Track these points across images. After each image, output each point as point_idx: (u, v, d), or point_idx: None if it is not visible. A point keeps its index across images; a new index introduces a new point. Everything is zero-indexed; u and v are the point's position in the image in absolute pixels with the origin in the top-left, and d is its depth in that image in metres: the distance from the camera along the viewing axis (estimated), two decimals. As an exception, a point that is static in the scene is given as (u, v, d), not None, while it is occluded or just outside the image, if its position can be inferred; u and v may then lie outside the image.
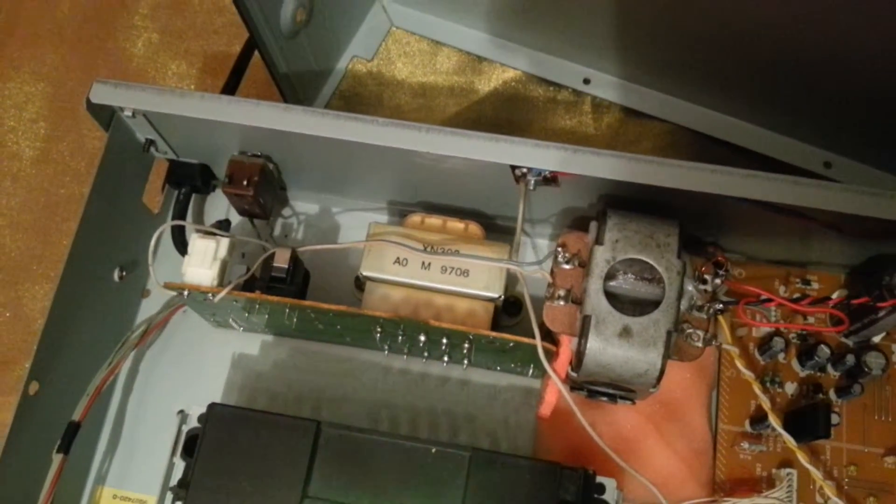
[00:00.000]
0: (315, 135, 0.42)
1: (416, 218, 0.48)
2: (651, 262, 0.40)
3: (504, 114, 0.59)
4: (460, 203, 0.50)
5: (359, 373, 0.50)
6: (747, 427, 0.46)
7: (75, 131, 0.61)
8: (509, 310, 0.50)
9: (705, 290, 0.40)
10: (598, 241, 0.41)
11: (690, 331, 0.40)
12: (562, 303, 0.41)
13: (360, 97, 0.60)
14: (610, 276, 0.40)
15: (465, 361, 0.48)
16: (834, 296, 0.45)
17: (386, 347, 0.48)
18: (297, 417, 0.41)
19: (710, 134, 0.57)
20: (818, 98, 0.52)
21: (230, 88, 0.54)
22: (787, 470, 0.44)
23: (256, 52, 0.53)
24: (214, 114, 0.43)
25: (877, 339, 0.47)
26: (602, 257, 0.40)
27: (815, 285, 0.49)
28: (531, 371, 0.48)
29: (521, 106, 0.59)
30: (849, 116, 0.53)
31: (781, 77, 0.52)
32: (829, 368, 0.47)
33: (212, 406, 0.42)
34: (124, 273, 0.50)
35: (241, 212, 0.49)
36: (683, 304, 0.40)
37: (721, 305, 0.40)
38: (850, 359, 0.46)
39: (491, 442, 0.48)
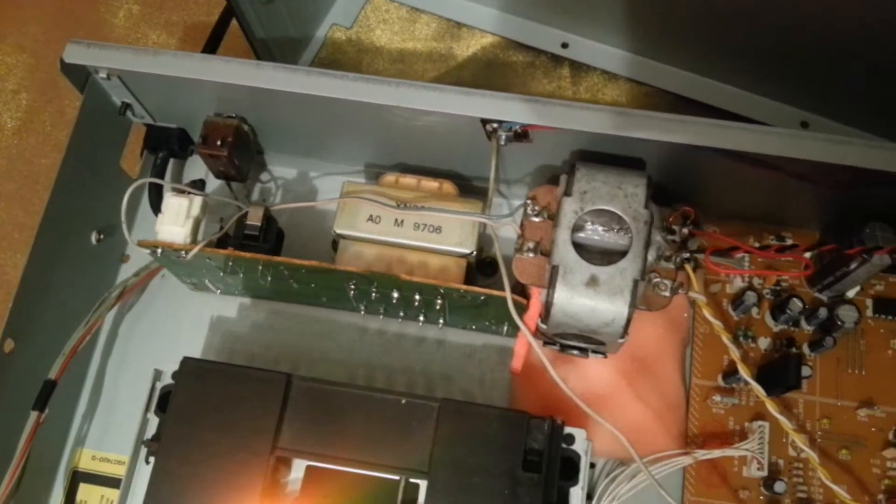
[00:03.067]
0: (285, 90, 0.42)
1: (390, 177, 0.48)
2: (618, 212, 0.40)
3: (483, 79, 0.59)
4: (437, 164, 0.50)
5: (335, 334, 0.50)
6: (720, 381, 0.46)
7: (57, 102, 0.61)
8: (485, 270, 0.50)
9: (673, 241, 0.41)
10: (567, 192, 0.41)
11: (658, 280, 0.40)
12: (531, 255, 0.41)
13: (338, 64, 0.60)
14: (578, 227, 0.40)
15: (441, 320, 0.48)
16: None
17: (362, 307, 0.49)
18: (268, 370, 0.41)
19: (688, 96, 0.57)
20: (796, 58, 0.52)
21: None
22: (759, 423, 0.45)
23: (235, 20, 0.53)
24: (186, 71, 0.43)
25: (851, 293, 0.47)
26: (570, 208, 0.40)
27: (790, 241, 0.49)
28: (506, 329, 0.48)
29: (499, 71, 0.59)
30: (826, 76, 0.53)
31: (759, 38, 0.52)
32: (803, 323, 0.47)
33: (185, 360, 0.42)
34: (102, 236, 0.50)
35: (217, 174, 0.50)
36: (651, 255, 0.40)
37: (688, 254, 0.40)
38: (823, 312, 0.46)
39: (467, 399, 0.48)
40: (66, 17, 0.64)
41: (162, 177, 0.51)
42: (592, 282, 0.39)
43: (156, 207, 0.49)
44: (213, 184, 0.53)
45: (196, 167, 0.54)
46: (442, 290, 0.43)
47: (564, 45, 0.59)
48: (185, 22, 0.62)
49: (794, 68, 0.53)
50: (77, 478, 0.49)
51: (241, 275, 0.47)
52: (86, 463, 0.49)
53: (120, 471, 0.46)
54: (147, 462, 0.41)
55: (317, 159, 0.53)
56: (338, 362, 0.50)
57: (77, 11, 0.64)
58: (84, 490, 0.49)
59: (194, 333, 0.51)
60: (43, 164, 0.60)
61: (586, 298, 0.39)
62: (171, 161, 0.53)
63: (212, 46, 0.54)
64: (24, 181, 0.59)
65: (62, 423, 0.49)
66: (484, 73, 0.59)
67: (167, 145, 0.51)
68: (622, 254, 0.40)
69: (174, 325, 0.51)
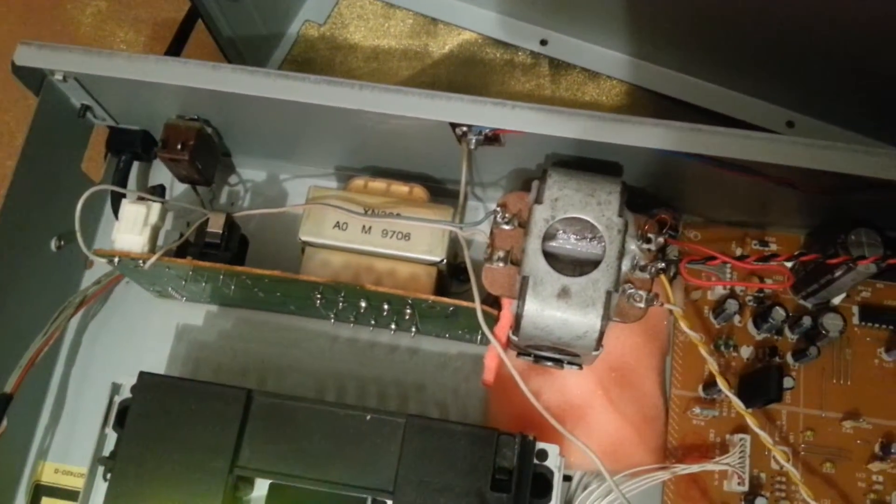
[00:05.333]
0: (244, 93, 0.41)
1: (359, 181, 0.46)
2: (591, 220, 0.38)
3: (460, 77, 0.57)
4: (408, 167, 0.48)
5: (305, 342, 0.49)
6: (700, 392, 0.45)
7: (23, 102, 0.59)
8: (460, 276, 0.49)
9: (649, 250, 0.39)
10: (538, 200, 0.39)
11: (632, 291, 0.38)
12: (501, 264, 0.39)
13: (311, 62, 0.58)
14: (549, 235, 0.39)
15: (413, 329, 0.47)
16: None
17: (332, 316, 0.47)
18: (228, 386, 0.40)
19: (672, 95, 0.55)
20: (781, 57, 0.51)
21: (173, 54, 0.52)
22: (741, 436, 0.43)
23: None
24: (143, 74, 0.42)
25: (836, 300, 0.46)
26: (541, 216, 0.39)
27: (774, 246, 0.47)
28: (479, 338, 0.47)
29: (477, 69, 0.57)
30: (812, 75, 0.51)
31: (744, 36, 0.50)
32: (786, 331, 0.45)
33: (142, 375, 0.40)
34: (62, 243, 0.48)
35: (181, 178, 0.48)
36: (626, 264, 0.39)
37: (663, 264, 0.39)
38: (807, 321, 0.44)
39: (440, 410, 0.47)
40: (32, 14, 0.62)
41: (125, 181, 0.49)
42: (564, 293, 0.38)
43: (118, 213, 0.47)
44: (180, 188, 0.51)
45: (162, 170, 0.51)
46: (410, 301, 0.42)
47: (543, 42, 0.57)
48: (154, 19, 0.60)
49: (779, 67, 0.51)
50: (40, 491, 0.48)
51: (204, 283, 0.45)
52: (48, 476, 0.48)
53: (83, 484, 0.45)
54: (105, 479, 0.40)
55: (286, 161, 0.51)
56: (307, 372, 0.48)
57: (44, 9, 0.62)
58: (47, 504, 0.48)
59: (159, 342, 0.49)
60: (7, 166, 0.58)
61: (557, 311, 0.37)
62: (137, 164, 0.51)
63: (177, 46, 0.52)
64: (-11, 184, 0.57)
65: (23, 436, 0.48)
66: (461, 71, 0.57)
67: (130, 148, 0.49)
68: (595, 263, 0.38)
69: (138, 334, 0.50)
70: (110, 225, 0.49)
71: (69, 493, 0.48)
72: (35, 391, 0.48)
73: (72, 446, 0.48)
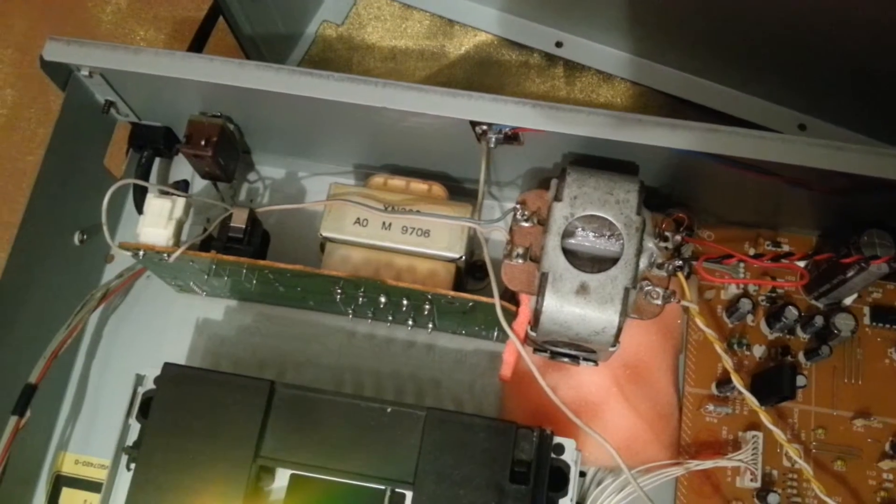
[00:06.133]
0: (268, 90, 0.41)
1: (378, 179, 0.47)
2: (610, 218, 0.39)
3: (476, 78, 0.58)
4: (426, 166, 0.49)
5: (323, 337, 0.49)
6: (713, 390, 0.45)
7: (42, 98, 0.60)
8: (476, 274, 0.49)
9: (666, 248, 0.40)
10: (557, 197, 0.40)
11: (650, 288, 0.39)
12: (520, 261, 0.40)
13: (329, 62, 0.59)
14: (568, 233, 0.39)
15: (430, 325, 0.47)
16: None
17: (350, 311, 0.48)
18: (251, 377, 0.40)
19: (683, 97, 0.56)
20: (793, 59, 0.51)
21: (194, 52, 0.53)
22: (753, 433, 0.44)
23: (222, 17, 0.52)
24: (168, 70, 0.42)
25: (848, 301, 0.46)
26: (560, 214, 0.39)
27: (786, 247, 0.48)
28: (496, 335, 0.47)
29: (492, 70, 0.58)
30: (824, 78, 0.52)
31: (756, 38, 0.51)
32: (798, 331, 0.46)
33: (166, 366, 0.41)
34: (85, 237, 0.49)
35: (203, 174, 0.49)
36: (643, 262, 0.39)
37: (680, 262, 0.39)
38: (819, 320, 0.45)
39: (456, 406, 0.48)
40: (52, 12, 0.63)
41: (147, 176, 0.50)
42: (582, 289, 0.38)
43: (140, 208, 0.48)
44: (200, 184, 0.52)
45: (183, 167, 0.52)
46: (430, 296, 0.42)
47: (559, 45, 0.58)
48: (174, 17, 0.61)
49: (791, 70, 0.52)
50: (60, 482, 0.48)
51: (226, 277, 0.46)
52: (69, 467, 0.49)
53: (103, 475, 0.45)
54: (128, 469, 0.41)
55: (305, 159, 0.52)
56: (325, 367, 0.49)
57: (64, 6, 0.63)
58: (67, 494, 0.48)
59: (179, 336, 0.50)
60: (28, 161, 0.59)
61: (576, 307, 0.38)
62: (158, 160, 0.52)
63: (198, 44, 0.53)
64: (9, 179, 0.58)
65: (45, 427, 0.48)
66: (476, 72, 0.58)
67: (152, 144, 0.50)
68: (613, 261, 0.39)
69: (159, 328, 0.50)
70: (131, 219, 0.50)
71: (89, 484, 0.48)
72: (57, 383, 0.49)
73: (92, 438, 0.49)
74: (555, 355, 0.43)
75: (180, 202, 0.44)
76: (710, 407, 0.45)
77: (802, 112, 0.54)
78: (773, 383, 0.43)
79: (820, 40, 0.48)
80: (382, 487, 0.39)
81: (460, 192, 0.49)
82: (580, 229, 0.40)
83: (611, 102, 0.57)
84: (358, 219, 0.45)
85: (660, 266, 0.39)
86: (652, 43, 0.56)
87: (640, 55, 0.57)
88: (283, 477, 0.41)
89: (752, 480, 0.43)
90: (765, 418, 0.41)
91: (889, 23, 0.44)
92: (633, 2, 0.53)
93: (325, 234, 0.45)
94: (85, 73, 0.45)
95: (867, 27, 0.45)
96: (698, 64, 0.55)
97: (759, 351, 0.46)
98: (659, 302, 0.39)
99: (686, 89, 0.56)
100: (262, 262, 0.43)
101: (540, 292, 0.38)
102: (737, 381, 0.41)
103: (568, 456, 0.40)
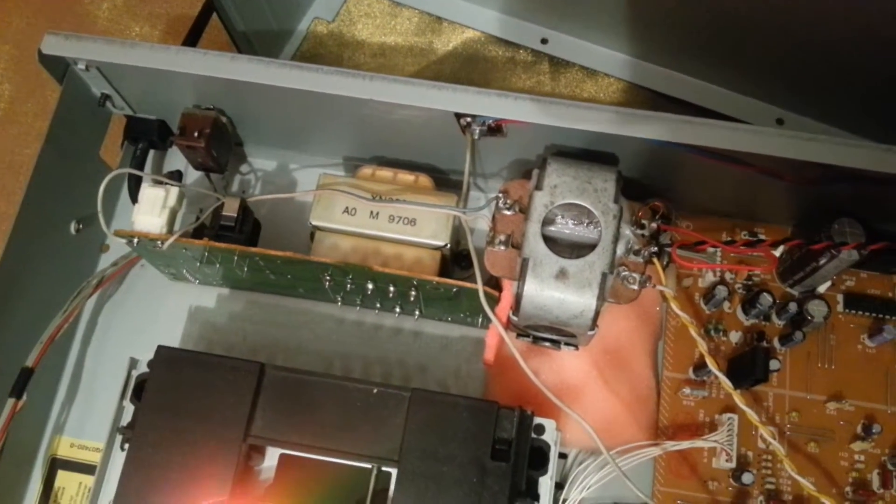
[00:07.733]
0: (259, 83, 0.43)
1: (367, 170, 0.48)
2: (588, 206, 0.41)
3: (463, 74, 0.59)
4: (414, 158, 0.50)
5: (313, 324, 0.51)
6: (690, 374, 0.47)
7: (40, 92, 0.62)
8: (461, 262, 0.51)
9: (642, 235, 0.41)
10: (538, 186, 0.41)
11: (626, 273, 0.40)
12: (502, 248, 0.41)
13: (320, 58, 0.60)
14: (548, 220, 0.41)
15: (417, 312, 0.49)
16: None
17: (339, 299, 0.49)
18: (242, 359, 0.41)
19: (666, 92, 0.57)
20: (772, 56, 0.53)
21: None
22: (729, 415, 0.45)
23: (215, 13, 0.54)
24: (162, 63, 0.44)
25: (822, 288, 0.48)
26: (540, 202, 0.41)
27: (763, 237, 0.49)
28: (481, 321, 0.49)
29: (479, 66, 0.59)
30: (802, 74, 0.53)
31: (735, 35, 0.52)
32: (773, 317, 0.48)
33: (159, 349, 0.42)
34: (81, 226, 0.50)
35: (196, 165, 0.50)
36: (620, 248, 0.41)
37: (656, 249, 0.41)
38: (793, 307, 0.46)
39: (441, 390, 0.49)
40: (49, 7, 0.64)
41: (142, 167, 0.51)
42: (562, 274, 0.40)
43: (135, 198, 0.49)
44: (193, 175, 0.53)
45: (176, 158, 0.54)
46: (415, 282, 0.44)
47: (544, 41, 0.59)
48: (168, 14, 0.62)
49: (770, 66, 0.53)
50: (55, 465, 0.50)
51: (218, 265, 0.47)
52: (64, 450, 0.50)
53: (98, 458, 0.46)
54: (122, 449, 0.42)
55: (296, 151, 0.53)
56: (315, 353, 0.50)
57: (61, 4, 0.64)
58: (62, 477, 0.49)
59: (172, 323, 0.51)
60: (26, 154, 0.60)
61: (555, 291, 0.39)
62: (152, 152, 0.53)
63: (192, 39, 0.54)
64: (7, 171, 0.60)
65: (41, 411, 0.50)
66: (464, 67, 0.60)
67: (147, 136, 0.51)
68: (591, 247, 0.40)
69: (152, 315, 0.52)
70: (126, 209, 0.51)
71: (83, 467, 0.49)
72: (53, 369, 0.50)
73: (87, 422, 0.50)
74: (537, 340, 0.44)
75: (174, 191, 0.45)
76: (688, 390, 0.46)
77: (781, 107, 0.56)
78: (747, 367, 0.44)
79: (799, 37, 0.50)
80: (369, 466, 0.41)
81: (447, 183, 0.50)
82: (560, 217, 0.41)
83: (595, 97, 0.58)
84: (346, 208, 0.46)
85: (636, 252, 0.41)
86: (636, 40, 0.57)
87: (625, 52, 0.58)
88: (272, 456, 0.42)
89: (727, 461, 0.44)
90: (738, 400, 0.42)
91: (867, 19, 0.46)
92: (617, 0, 0.54)
93: (314, 222, 0.46)
94: (82, 66, 0.46)
95: (845, 24, 0.47)
96: (680, 61, 0.57)
97: (735, 337, 0.48)
98: (635, 287, 0.40)
99: (669, 86, 0.58)
100: (253, 249, 0.44)
101: (521, 277, 0.40)
102: (711, 363, 0.42)
103: (548, 436, 0.41)
